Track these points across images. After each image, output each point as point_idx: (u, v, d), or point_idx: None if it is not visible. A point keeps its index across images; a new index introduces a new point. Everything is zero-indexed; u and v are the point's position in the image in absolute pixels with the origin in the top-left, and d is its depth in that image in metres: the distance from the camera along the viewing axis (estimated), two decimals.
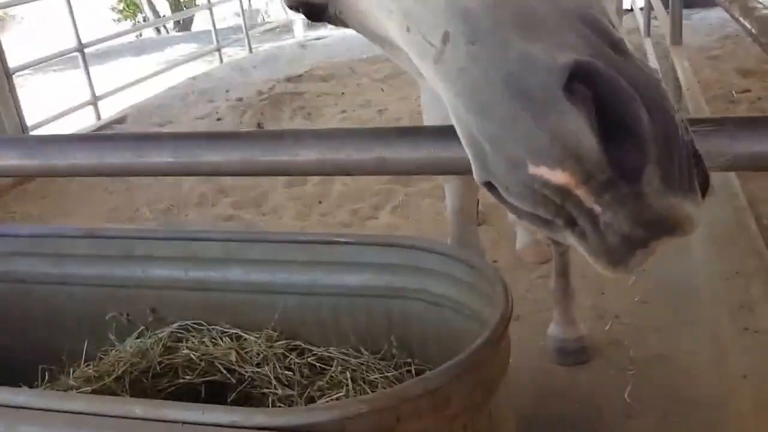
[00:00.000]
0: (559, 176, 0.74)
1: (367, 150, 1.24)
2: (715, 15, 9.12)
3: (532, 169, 0.75)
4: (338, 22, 1.09)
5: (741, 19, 2.24)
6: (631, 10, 10.13)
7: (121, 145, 1.34)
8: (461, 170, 1.18)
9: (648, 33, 7.77)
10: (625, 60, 0.79)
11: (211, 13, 11.97)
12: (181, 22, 20.24)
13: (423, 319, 2.50)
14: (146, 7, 22.17)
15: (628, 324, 3.48)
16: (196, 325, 2.64)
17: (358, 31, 1.11)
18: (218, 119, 7.72)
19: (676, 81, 5.11)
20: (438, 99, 1.48)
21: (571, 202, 0.76)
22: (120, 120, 8.34)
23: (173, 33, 20.26)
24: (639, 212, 0.75)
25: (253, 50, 12.37)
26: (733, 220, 3.92)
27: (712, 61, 7.33)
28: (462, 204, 3.01)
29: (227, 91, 8.88)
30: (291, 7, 1.12)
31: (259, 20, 21.76)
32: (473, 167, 0.85)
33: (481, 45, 0.79)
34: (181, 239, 2.67)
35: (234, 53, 13.06)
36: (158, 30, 20.74)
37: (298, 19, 14.07)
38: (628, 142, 0.75)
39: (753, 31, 2.07)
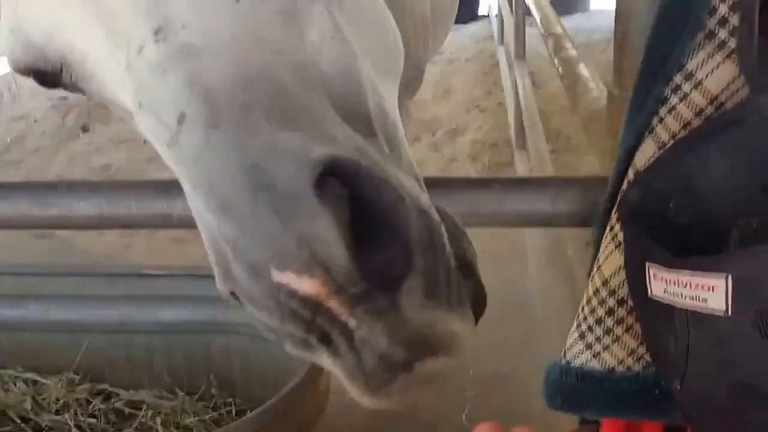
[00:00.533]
0: (306, 285, 0.63)
1: (150, 204, 1.16)
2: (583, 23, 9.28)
3: (277, 276, 0.63)
4: (76, 89, 0.91)
5: (552, 54, 2.27)
6: (487, 15, 10.29)
7: None
8: None
9: (501, 41, 7.86)
10: (390, 160, 0.72)
11: None
12: None
13: (247, 355, 2.31)
14: None
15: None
16: None
17: (99, 101, 0.92)
18: (35, 121, 6.96)
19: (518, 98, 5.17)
20: None
21: (323, 316, 0.65)
22: None
23: None
24: (398, 327, 0.65)
25: None
26: (552, 245, 3.96)
27: None
28: None
29: None
30: (21, 73, 0.91)
31: None
32: (215, 274, 0.70)
33: (223, 130, 0.66)
34: None
35: None
36: None
37: None
38: (387, 247, 0.65)
39: (559, 69, 2.09)
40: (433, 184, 1.08)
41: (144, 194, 1.16)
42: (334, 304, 0.64)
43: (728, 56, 0.87)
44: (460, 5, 3.03)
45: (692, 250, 0.76)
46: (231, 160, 0.65)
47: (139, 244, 4.39)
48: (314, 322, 0.65)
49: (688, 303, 0.74)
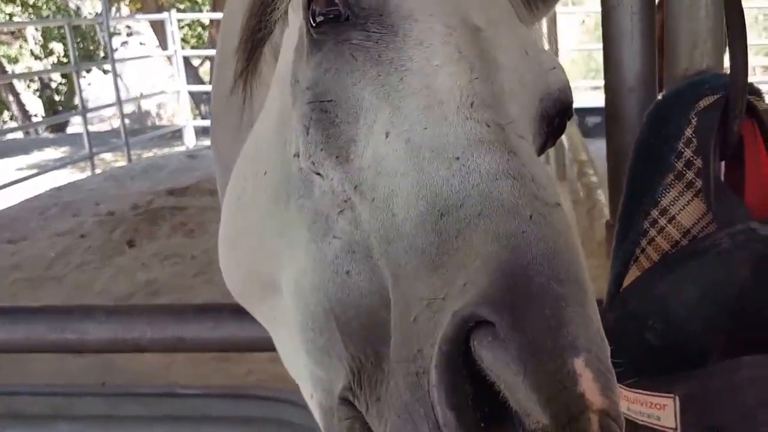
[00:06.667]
0: None
1: (163, 329, 1.26)
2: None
3: None
4: (361, 27, 1.01)
5: (580, 192, 2.62)
6: None
7: None
8: (260, 348, 1.31)
9: (546, 161, 7.94)
10: None
11: (84, 119, 11.02)
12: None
13: None
14: (14, 106, 20.67)
15: None
16: None
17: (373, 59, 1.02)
18: (82, 236, 6.99)
19: None
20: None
21: None
22: None
23: (44, 134, 19.36)
24: None
25: (134, 158, 11.66)
26: None
27: None
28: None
29: (97, 204, 8.15)
30: None
31: (149, 123, 21.06)
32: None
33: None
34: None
35: (112, 160, 12.45)
36: (26, 130, 19.67)
37: (190, 125, 13.67)
38: None
39: (580, 193, 2.45)
40: None
41: (157, 319, 1.25)
42: None
43: (696, 194, 1.01)
44: None
45: (669, 369, 0.85)
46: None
47: (180, 363, 4.33)
48: None
49: (645, 420, 0.84)
